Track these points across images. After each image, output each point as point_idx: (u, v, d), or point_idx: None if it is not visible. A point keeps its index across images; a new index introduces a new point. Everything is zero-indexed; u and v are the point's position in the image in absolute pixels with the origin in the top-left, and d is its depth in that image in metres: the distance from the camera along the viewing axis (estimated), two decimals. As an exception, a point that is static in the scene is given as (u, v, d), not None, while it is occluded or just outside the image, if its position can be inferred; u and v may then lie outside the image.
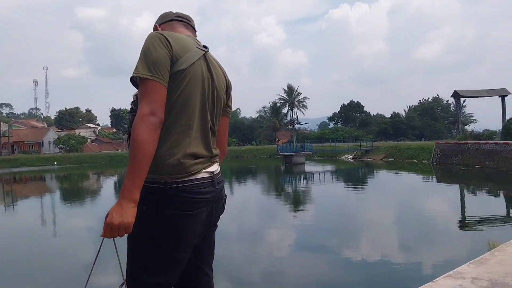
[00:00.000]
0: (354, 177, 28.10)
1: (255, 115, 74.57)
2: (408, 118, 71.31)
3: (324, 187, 22.04)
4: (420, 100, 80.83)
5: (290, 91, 61.00)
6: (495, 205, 14.88)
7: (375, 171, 30.06)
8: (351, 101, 73.42)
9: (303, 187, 22.85)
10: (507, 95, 32.06)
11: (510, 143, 24.33)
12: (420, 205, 15.10)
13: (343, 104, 73.73)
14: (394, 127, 65.85)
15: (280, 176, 30.35)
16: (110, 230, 1.34)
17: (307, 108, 61.22)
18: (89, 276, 1.53)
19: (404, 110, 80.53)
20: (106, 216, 1.36)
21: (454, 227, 11.19)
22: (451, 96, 35.58)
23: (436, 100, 77.82)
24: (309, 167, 34.77)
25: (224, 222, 9.04)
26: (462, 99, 41.44)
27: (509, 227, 10.50)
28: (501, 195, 17.02)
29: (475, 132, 32.61)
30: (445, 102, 75.26)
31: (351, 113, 72.42)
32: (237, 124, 75.59)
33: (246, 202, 17.76)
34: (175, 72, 1.45)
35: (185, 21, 1.75)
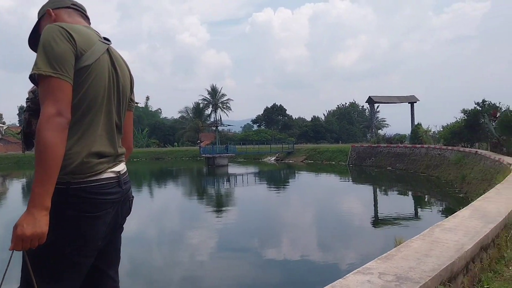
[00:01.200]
0: (277, 178, 28.38)
1: (177, 116, 72.76)
2: (327, 122, 74.41)
3: (247, 188, 21.88)
4: (338, 105, 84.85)
5: (214, 92, 60.50)
6: (403, 204, 15.76)
7: (296, 173, 30.65)
8: (274, 104, 74.83)
9: (226, 189, 22.49)
10: (415, 102, 34.48)
11: (418, 146, 26.09)
12: (337, 205, 15.53)
13: (267, 107, 74.93)
14: (314, 130, 68.27)
15: (202, 178, 29.70)
16: (22, 242, 1.23)
17: (231, 109, 61.22)
18: None
19: (324, 114, 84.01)
20: (15, 227, 1.24)
21: (367, 225, 11.69)
22: (366, 102, 37.42)
23: (353, 105, 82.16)
24: (232, 169, 34.54)
25: (143, 226, 8.43)
26: (375, 105, 43.99)
27: (415, 224, 11.13)
28: (409, 194, 18.11)
29: (387, 136, 34.65)
30: (360, 107, 79.78)
31: (274, 116, 73.77)
32: (157, 124, 73.29)
33: (166, 205, 17.06)
34: (79, 68, 1.36)
35: (81, 11, 1.63)
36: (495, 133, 16.89)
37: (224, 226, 12.14)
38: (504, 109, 17.24)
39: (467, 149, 18.98)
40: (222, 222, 12.77)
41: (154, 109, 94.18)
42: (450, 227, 4.09)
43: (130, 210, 1.67)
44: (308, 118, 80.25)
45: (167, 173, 34.13)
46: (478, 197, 6.35)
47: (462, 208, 5.14)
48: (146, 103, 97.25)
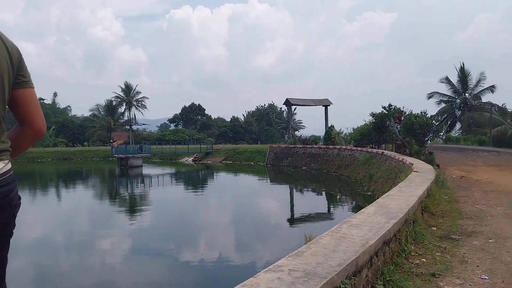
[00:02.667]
0: (194, 179, 27.98)
1: (87, 114, 68.52)
2: (246, 122, 75.29)
3: (163, 190, 21.22)
4: (257, 106, 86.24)
5: (128, 89, 57.98)
6: (317, 202, 16.41)
7: (214, 173, 30.50)
8: (193, 104, 73.93)
9: (140, 191, 21.62)
10: (329, 105, 36.14)
11: (330, 147, 27.38)
12: (255, 205, 15.67)
13: (185, 106, 73.76)
14: (233, 130, 68.69)
15: (114, 180, 28.27)
16: None
17: (146, 108, 59.09)
18: None
19: (243, 115, 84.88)
20: None
21: (283, 223, 11.97)
22: (284, 104, 38.42)
23: (272, 107, 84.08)
24: (147, 170, 33.38)
25: (48, 231, 7.72)
26: (293, 107, 45.38)
27: (326, 221, 11.65)
28: (322, 193, 18.90)
29: (303, 137, 35.95)
30: (279, 109, 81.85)
31: (192, 115, 72.86)
32: (66, 123, 68.52)
33: (74, 209, 15.94)
34: None
35: None
36: (399, 135, 18.24)
37: (139, 229, 11.62)
38: (407, 113, 18.67)
39: (374, 150, 20.28)
40: (136, 226, 12.22)
41: (62, 106, 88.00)
42: (356, 223, 4.22)
43: (14, 217, 1.49)
44: (228, 119, 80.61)
45: (76, 174, 32.03)
46: (383, 195, 6.71)
47: (368, 205, 5.37)
48: (54, 99, 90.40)
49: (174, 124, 75.34)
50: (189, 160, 41.34)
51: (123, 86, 58.20)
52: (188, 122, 72.40)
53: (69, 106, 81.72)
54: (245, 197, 18.26)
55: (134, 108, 58.06)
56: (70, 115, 79.12)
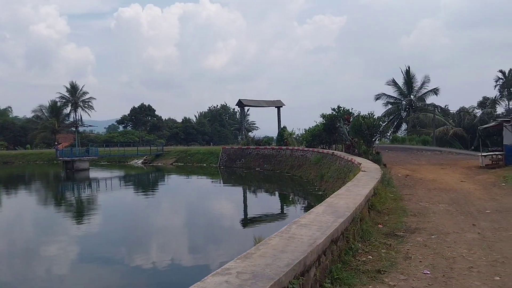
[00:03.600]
0: (144, 182, 27.29)
1: (30, 115, 64.93)
2: (199, 123, 74.45)
3: (111, 194, 20.48)
4: (209, 107, 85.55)
5: (74, 90, 55.68)
6: (270, 203, 16.51)
7: (165, 176, 29.88)
8: (142, 104, 72.08)
9: (87, 195, 20.72)
10: (281, 106, 36.51)
11: (283, 148, 27.68)
12: (207, 207, 15.50)
13: (134, 107, 71.70)
14: (185, 132, 67.69)
15: (59, 184, 26.96)
16: None
17: (93, 109, 57.03)
18: None
19: (195, 116, 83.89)
20: None
21: (234, 226, 11.94)
22: (236, 105, 38.36)
23: (224, 107, 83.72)
24: (94, 173, 32.15)
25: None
26: (246, 108, 45.42)
27: (279, 222, 11.71)
28: (275, 193, 19.05)
29: (256, 138, 36.00)
30: (232, 110, 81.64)
31: (142, 116, 71.02)
32: (6, 124, 64.49)
33: (16, 215, 15.07)
34: None
35: None
36: (348, 136, 18.74)
37: (87, 235, 11.15)
38: (355, 115, 19.23)
39: (325, 151, 20.71)
40: (84, 232, 11.71)
41: (2, 107, 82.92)
42: (305, 223, 4.24)
43: None
44: (179, 119, 79.29)
45: (18, 179, 30.26)
46: (332, 194, 6.82)
47: (317, 204, 5.43)
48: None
49: (123, 125, 73.03)
50: (138, 162, 40.26)
51: (68, 86, 55.83)
52: (138, 123, 70.49)
53: (9, 107, 77.03)
54: (198, 199, 18.00)
55: (81, 109, 55.92)
56: (11, 116, 74.63)
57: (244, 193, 19.65)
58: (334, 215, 4.61)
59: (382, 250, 4.63)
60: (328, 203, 5.36)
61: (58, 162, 37.43)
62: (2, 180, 29.48)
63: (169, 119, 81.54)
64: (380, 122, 17.22)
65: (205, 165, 34.72)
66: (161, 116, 76.10)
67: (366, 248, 4.71)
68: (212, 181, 25.76)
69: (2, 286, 7.23)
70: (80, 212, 15.43)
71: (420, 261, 4.23)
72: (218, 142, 62.91)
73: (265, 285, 2.56)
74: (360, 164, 11.78)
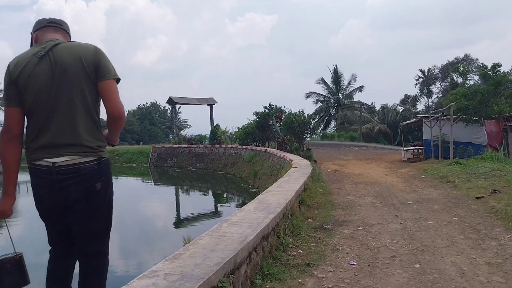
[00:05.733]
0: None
1: None
2: (128, 122, 71.79)
3: (23, 200, 19.09)
4: (139, 105, 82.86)
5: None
6: (203, 202, 16.35)
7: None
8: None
9: None
10: (214, 104, 36.33)
11: (216, 146, 27.57)
12: (138, 209, 14.99)
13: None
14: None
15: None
16: None
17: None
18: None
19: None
20: None
21: (165, 227, 11.65)
22: (167, 102, 37.53)
23: (154, 105, 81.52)
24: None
25: None
26: (177, 106, 44.62)
27: (212, 221, 11.59)
28: (209, 192, 18.95)
29: (188, 136, 35.49)
30: (162, 107, 79.72)
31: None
32: None
33: None
34: (19, 90, 1.81)
35: (56, 25, 2.05)
36: (281, 133, 19.10)
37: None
38: (287, 112, 19.65)
39: (258, 148, 20.93)
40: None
41: None
42: (236, 221, 4.21)
43: (83, 195, 1.92)
44: (105, 118, 76.04)
45: None
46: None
47: (249, 202, 5.43)
48: None
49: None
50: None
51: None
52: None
53: None
54: (127, 201, 17.33)
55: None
56: None
57: (177, 192, 19.31)
58: (265, 211, 4.63)
59: (312, 244, 4.74)
60: (260, 200, 5.39)
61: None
62: None
63: (97, 117, 77.87)
64: (311, 120, 17.76)
65: (134, 165, 33.62)
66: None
67: (297, 243, 4.79)
68: (143, 182, 25.03)
69: None
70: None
71: (347, 253, 4.38)
72: (148, 141, 61.21)
73: (193, 285, 2.51)
74: (291, 160, 12.03)
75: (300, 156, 14.70)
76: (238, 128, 27.22)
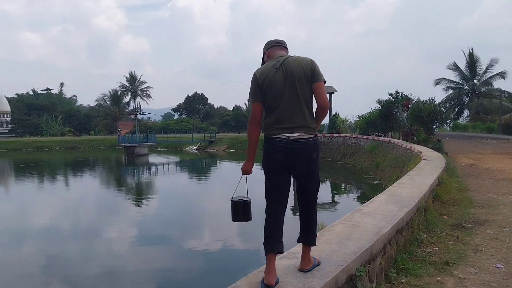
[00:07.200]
0: (198, 167, 28.00)
1: (93, 103, 68.50)
2: (249, 111, 74.69)
3: (168, 178, 21.28)
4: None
5: (133, 79, 57.80)
6: (322, 191, 16.28)
7: (218, 162, 30.49)
8: (196, 93, 73.69)
9: (146, 179, 21.67)
10: (333, 92, 35.84)
11: (335, 135, 27.21)
12: (259, 192, 15.60)
13: (188, 96, 73.49)
14: (236, 119, 68.42)
15: (121, 168, 28.35)
16: (243, 172, 2.98)
17: (151, 97, 59.00)
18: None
19: (245, 104, 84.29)
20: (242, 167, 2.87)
21: (290, 212, 11.82)
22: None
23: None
24: (153, 159, 33.46)
25: (58, 218, 7.74)
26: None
27: (334, 210, 11.55)
28: (327, 182, 18.76)
29: (307, 125, 35.55)
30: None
31: (196, 104, 72.67)
32: (72, 112, 68.69)
33: (82, 196, 16.05)
34: (263, 91, 2.64)
35: (281, 45, 2.84)
36: (407, 122, 18.05)
37: (144, 217, 11.67)
38: (415, 100, 18.43)
39: (381, 138, 20.13)
40: (143, 213, 12.27)
41: (69, 96, 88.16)
42: (368, 212, 4.16)
43: (306, 160, 2.70)
44: (230, 107, 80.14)
45: (83, 163, 32.13)
46: (391, 183, 6.62)
47: (379, 193, 5.30)
48: (61, 89, 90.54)
49: (178, 113, 75.13)
50: (193, 149, 41.36)
51: (128, 76, 58.01)
52: (192, 112, 72.21)
53: (75, 95, 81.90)
54: (250, 185, 18.20)
55: (139, 97, 57.96)
56: (76, 104, 79.18)
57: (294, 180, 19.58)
58: (398, 204, 4.48)
59: (449, 242, 4.45)
60: (391, 192, 5.23)
61: (120, 147, 39.34)
62: (70, 164, 31.46)
63: (220, 107, 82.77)
64: (442, 108, 16.35)
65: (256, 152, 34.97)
66: (213, 104, 77.39)
67: (432, 239, 4.54)
68: (261, 168, 25.92)
69: (66, 262, 7.73)
70: (139, 195, 16.17)
71: (492, 255, 4.02)
72: (269, 130, 62.86)
73: (333, 271, 2.58)
74: (420, 152, 11.33)
75: (429, 148, 13.74)
76: (359, 117, 26.44)
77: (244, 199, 3.02)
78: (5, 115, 73.06)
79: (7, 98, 75.93)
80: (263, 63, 2.87)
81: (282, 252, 2.71)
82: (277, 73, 2.61)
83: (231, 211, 2.98)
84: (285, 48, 2.87)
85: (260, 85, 2.63)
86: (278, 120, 2.66)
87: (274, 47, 2.83)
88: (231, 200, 2.99)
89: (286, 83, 2.60)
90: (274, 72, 2.62)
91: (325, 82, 2.76)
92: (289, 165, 2.73)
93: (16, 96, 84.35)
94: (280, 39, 2.91)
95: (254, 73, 2.69)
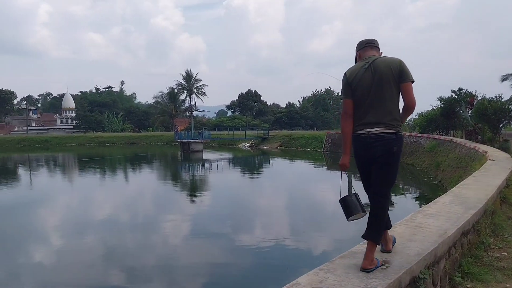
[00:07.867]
0: (251, 164, 28.26)
1: (151, 101, 71.29)
2: (302, 108, 74.53)
3: (221, 174, 21.68)
4: (313, 92, 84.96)
5: (189, 77, 59.38)
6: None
7: (270, 159, 30.59)
8: (249, 90, 74.30)
9: (200, 175, 22.22)
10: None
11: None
12: (311, 192, 15.50)
13: (241, 93, 74.28)
14: (289, 116, 68.34)
15: (177, 164, 29.30)
16: (341, 167, 3.01)
17: (206, 95, 60.31)
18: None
19: (299, 101, 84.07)
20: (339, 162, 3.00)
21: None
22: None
23: (328, 92, 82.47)
24: (207, 155, 34.23)
25: (118, 210, 8.16)
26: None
27: (393, 210, 11.07)
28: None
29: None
30: (336, 94, 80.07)
31: (249, 102, 73.29)
32: (132, 109, 71.83)
33: (141, 190, 16.72)
34: (352, 89, 2.83)
35: (371, 45, 2.97)
36: (471, 121, 17.13)
37: (199, 211, 11.99)
38: (480, 98, 17.44)
39: (442, 137, 19.27)
40: (197, 208, 12.62)
41: (129, 93, 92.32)
42: (432, 213, 4.02)
43: (384, 153, 2.80)
44: (283, 105, 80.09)
45: (142, 158, 33.53)
46: (454, 184, 6.35)
47: (442, 194, 5.10)
48: (121, 87, 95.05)
49: (231, 110, 76.19)
50: (246, 145, 41.80)
51: (184, 74, 59.68)
52: (245, 109, 72.90)
53: (134, 93, 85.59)
54: (302, 183, 18.13)
55: (195, 95, 59.45)
56: (135, 102, 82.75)
57: (349, 179, 19.23)
58: (463, 206, 4.29)
59: (519, 247, 4.19)
60: (455, 193, 5.01)
61: (176, 144, 40.65)
62: (129, 159, 32.96)
63: (274, 104, 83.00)
64: (510, 106, 15.35)
65: (308, 149, 34.73)
66: (266, 102, 77.71)
67: (499, 244, 4.31)
68: (316, 166, 25.71)
69: (124, 251, 8.10)
70: (194, 190, 16.64)
71: None
72: (321, 127, 62.33)
73: (397, 272, 2.52)
74: (486, 152, 10.73)
75: (495, 147, 12.98)
76: (418, 115, 25.47)
77: (352, 194, 3.08)
78: (71, 112, 78.16)
79: (72, 95, 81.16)
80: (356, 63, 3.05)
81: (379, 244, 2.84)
82: (366, 73, 2.81)
83: (343, 211, 3.02)
84: (376, 47, 3.01)
85: (350, 84, 2.84)
86: (362, 117, 2.84)
87: (365, 48, 2.99)
88: (339, 200, 3.06)
89: (373, 82, 2.78)
90: (363, 72, 2.82)
91: (413, 81, 2.86)
92: (369, 159, 2.90)
93: (80, 93, 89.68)
94: (371, 38, 3.06)
95: (345, 73, 2.90)
